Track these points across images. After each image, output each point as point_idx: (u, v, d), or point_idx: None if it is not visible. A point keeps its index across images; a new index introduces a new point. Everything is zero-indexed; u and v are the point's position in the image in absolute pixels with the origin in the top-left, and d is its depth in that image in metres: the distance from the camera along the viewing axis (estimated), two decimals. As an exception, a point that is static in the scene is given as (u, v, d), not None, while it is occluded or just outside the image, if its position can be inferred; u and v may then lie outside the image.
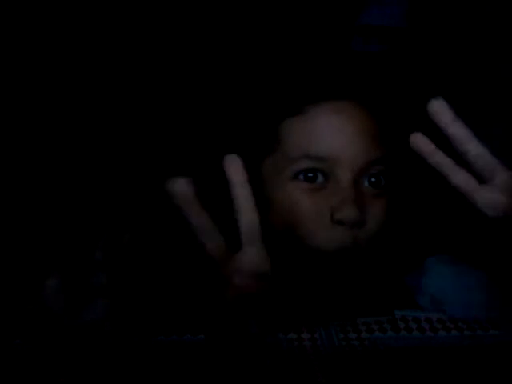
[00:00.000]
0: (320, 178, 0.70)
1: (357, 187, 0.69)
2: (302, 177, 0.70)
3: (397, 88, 0.82)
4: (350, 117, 0.70)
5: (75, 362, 0.77)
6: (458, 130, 0.53)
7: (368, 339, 0.68)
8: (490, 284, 0.69)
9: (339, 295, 0.70)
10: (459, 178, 0.53)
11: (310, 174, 0.70)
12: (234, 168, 0.54)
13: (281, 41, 0.93)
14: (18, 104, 0.93)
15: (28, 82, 0.93)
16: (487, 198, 0.52)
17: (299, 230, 0.69)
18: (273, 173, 0.73)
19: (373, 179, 0.70)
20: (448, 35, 0.89)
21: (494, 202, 0.51)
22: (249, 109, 0.81)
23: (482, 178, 0.53)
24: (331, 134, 0.70)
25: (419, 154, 0.54)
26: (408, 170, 0.75)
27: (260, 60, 0.95)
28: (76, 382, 0.75)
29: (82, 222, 0.89)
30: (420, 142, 0.54)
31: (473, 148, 0.52)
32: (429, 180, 0.68)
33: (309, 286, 0.70)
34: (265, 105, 0.76)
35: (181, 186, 0.53)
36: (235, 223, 0.56)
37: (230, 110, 0.93)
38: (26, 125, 0.93)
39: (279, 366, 0.70)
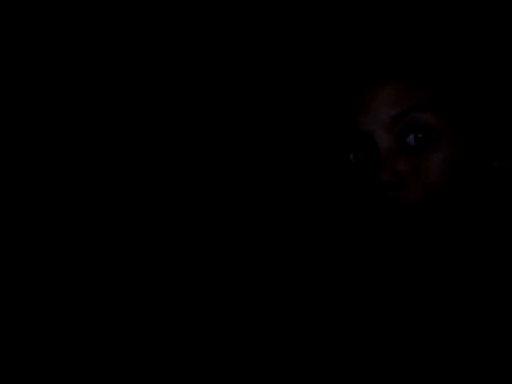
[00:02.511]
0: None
1: (392, 149, 0.68)
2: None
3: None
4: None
5: (75, 361, 0.77)
6: None
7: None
8: None
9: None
10: None
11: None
12: None
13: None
14: (17, 104, 0.93)
15: (28, 82, 0.93)
16: None
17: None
18: None
19: (411, 135, 0.67)
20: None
21: None
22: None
23: None
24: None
25: None
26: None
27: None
28: (76, 381, 0.75)
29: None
30: None
31: None
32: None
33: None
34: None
35: None
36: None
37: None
38: (26, 125, 0.93)
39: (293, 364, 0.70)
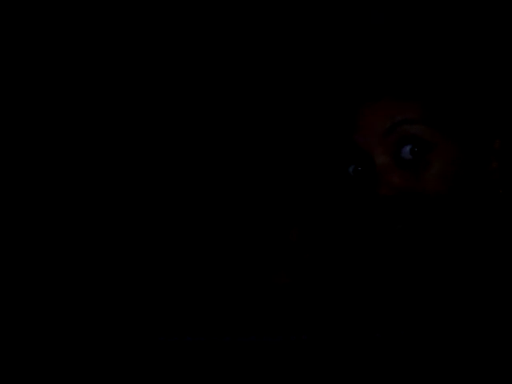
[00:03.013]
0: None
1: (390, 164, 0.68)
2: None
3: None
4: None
5: (75, 361, 0.77)
6: None
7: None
8: None
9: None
10: None
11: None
12: None
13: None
14: (18, 104, 0.93)
15: (28, 82, 0.93)
16: None
17: None
18: None
19: (406, 149, 0.68)
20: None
21: None
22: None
23: None
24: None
25: None
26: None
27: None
28: (76, 381, 0.75)
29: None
30: None
31: None
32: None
33: None
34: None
35: None
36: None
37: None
38: (26, 124, 0.93)
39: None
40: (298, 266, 0.78)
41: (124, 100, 0.94)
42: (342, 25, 0.92)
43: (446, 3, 0.87)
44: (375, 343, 0.68)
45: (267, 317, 0.74)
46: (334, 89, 0.80)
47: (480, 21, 0.85)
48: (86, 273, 0.86)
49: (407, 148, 0.68)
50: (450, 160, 0.68)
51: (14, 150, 0.92)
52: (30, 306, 0.83)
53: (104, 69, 0.95)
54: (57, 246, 0.88)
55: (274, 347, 0.70)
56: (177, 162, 0.94)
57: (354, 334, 0.69)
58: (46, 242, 0.88)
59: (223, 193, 0.92)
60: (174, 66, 0.96)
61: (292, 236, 0.80)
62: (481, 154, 0.71)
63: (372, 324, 0.70)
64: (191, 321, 0.76)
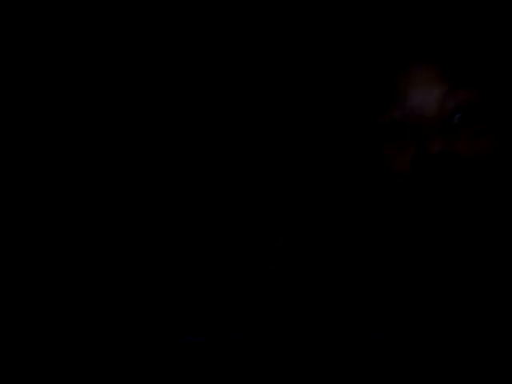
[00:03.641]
0: None
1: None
2: None
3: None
4: None
5: (75, 361, 0.77)
6: None
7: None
8: None
9: None
10: None
11: None
12: None
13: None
14: (18, 103, 0.93)
15: (29, 81, 0.93)
16: None
17: None
18: None
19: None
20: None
21: None
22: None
23: None
24: None
25: None
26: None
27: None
28: (76, 381, 0.75)
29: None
30: None
31: None
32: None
33: None
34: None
35: None
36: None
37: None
38: (26, 124, 0.93)
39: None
40: (285, 273, 0.78)
41: (123, 100, 0.94)
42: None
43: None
44: (375, 343, 0.67)
45: (267, 317, 0.74)
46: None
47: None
48: (85, 273, 0.86)
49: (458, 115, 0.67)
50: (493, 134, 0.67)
51: (14, 149, 0.92)
52: (29, 305, 0.83)
53: (104, 68, 0.95)
54: (56, 246, 0.88)
55: (274, 347, 0.70)
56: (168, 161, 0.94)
57: (354, 334, 0.69)
58: (46, 242, 0.88)
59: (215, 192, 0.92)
60: (174, 66, 0.95)
61: (279, 242, 0.80)
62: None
63: (372, 324, 0.70)
64: (191, 321, 0.76)
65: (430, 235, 0.70)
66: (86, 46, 0.94)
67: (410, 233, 0.71)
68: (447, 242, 0.69)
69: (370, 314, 0.71)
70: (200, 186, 0.92)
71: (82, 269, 0.87)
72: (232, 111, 0.95)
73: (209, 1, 0.95)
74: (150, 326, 0.78)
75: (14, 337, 0.80)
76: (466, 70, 0.68)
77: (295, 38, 0.94)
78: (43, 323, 0.82)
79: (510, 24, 0.73)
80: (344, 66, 0.83)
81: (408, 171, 0.68)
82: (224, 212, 0.89)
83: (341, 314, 0.72)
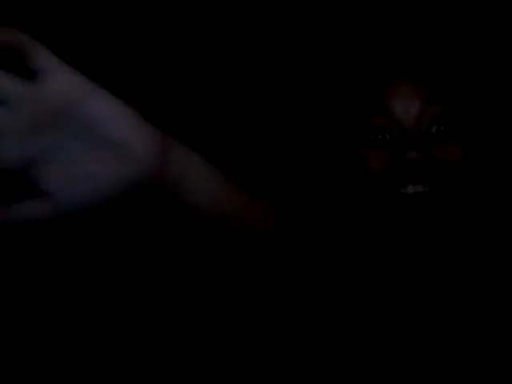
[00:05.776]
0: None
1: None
2: None
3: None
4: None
5: (75, 361, 0.77)
6: None
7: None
8: None
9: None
10: None
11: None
12: None
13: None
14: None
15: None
16: None
17: None
18: None
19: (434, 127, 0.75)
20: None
21: None
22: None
23: None
24: None
25: None
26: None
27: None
28: (76, 381, 0.75)
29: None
30: None
31: None
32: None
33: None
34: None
35: None
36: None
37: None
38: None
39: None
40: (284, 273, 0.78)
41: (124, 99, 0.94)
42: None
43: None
44: (375, 343, 0.68)
45: (267, 317, 0.74)
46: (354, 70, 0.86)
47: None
48: (85, 273, 0.86)
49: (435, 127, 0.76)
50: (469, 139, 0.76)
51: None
52: (29, 305, 0.83)
53: (104, 68, 0.95)
54: (56, 246, 0.88)
55: (274, 347, 0.70)
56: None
57: (354, 334, 0.69)
58: (45, 242, 0.88)
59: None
60: (174, 66, 0.96)
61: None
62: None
63: (372, 324, 0.70)
64: (191, 321, 0.76)
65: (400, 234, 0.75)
66: (86, 46, 0.94)
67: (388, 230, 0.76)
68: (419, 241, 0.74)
69: (369, 314, 0.71)
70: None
71: (82, 269, 0.87)
72: (228, 111, 0.96)
73: (207, 2, 0.96)
74: (150, 326, 0.78)
75: (14, 337, 0.80)
76: (442, 88, 0.77)
77: (285, 47, 0.99)
78: (44, 323, 0.82)
79: (479, 52, 0.85)
80: (336, 79, 0.91)
81: (384, 172, 0.76)
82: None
83: (340, 315, 0.72)
